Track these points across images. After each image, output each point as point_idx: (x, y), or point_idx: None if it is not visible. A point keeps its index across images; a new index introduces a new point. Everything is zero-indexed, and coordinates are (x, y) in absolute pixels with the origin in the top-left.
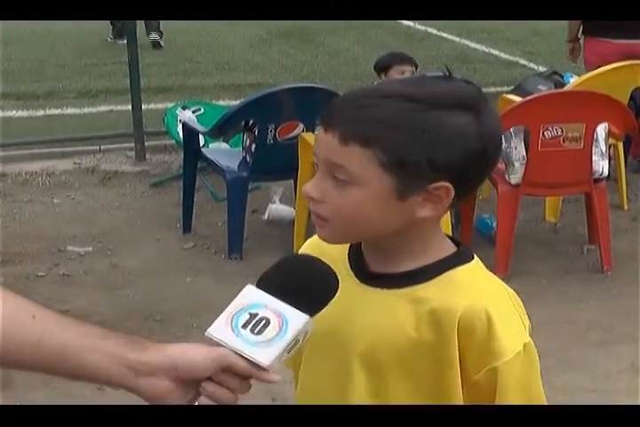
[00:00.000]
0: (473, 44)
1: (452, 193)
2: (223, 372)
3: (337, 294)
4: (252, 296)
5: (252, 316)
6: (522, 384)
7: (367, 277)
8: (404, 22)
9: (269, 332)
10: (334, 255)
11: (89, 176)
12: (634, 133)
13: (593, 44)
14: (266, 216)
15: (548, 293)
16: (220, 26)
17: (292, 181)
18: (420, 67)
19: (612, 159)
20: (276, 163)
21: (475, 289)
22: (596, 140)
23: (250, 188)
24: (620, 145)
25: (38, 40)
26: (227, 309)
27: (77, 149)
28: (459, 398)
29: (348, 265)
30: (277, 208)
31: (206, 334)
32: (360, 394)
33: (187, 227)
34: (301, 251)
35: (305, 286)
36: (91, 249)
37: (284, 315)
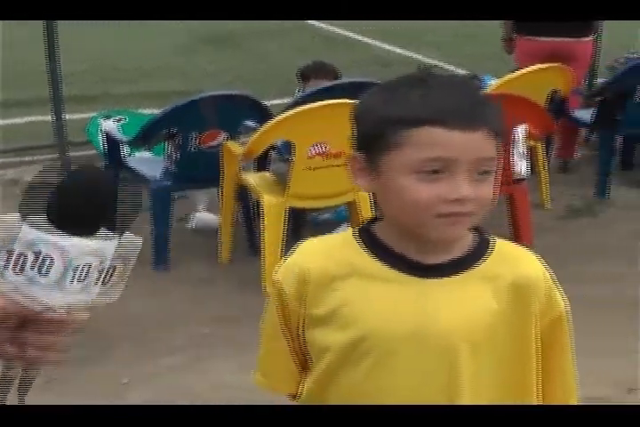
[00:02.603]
0: (393, 48)
1: None
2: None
3: (402, 296)
4: (26, 234)
5: (35, 254)
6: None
7: (425, 270)
8: (326, 27)
9: (54, 270)
10: (353, 261)
11: (12, 188)
12: (552, 134)
13: (521, 42)
14: (191, 225)
15: None
16: (143, 32)
17: (217, 189)
18: (342, 71)
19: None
20: (200, 171)
21: (526, 258)
22: (515, 141)
23: (174, 197)
24: (540, 146)
25: None
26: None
27: None
28: (533, 373)
29: (384, 266)
30: (202, 217)
31: None
32: (467, 380)
33: None
34: (302, 258)
35: (77, 208)
36: None
37: (62, 246)
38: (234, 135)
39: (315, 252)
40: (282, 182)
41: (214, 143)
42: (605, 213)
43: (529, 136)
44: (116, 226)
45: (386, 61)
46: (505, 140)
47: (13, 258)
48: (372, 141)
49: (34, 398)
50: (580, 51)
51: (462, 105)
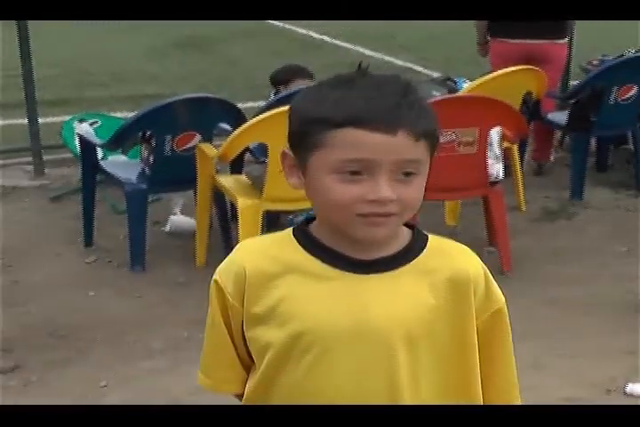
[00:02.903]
0: (367, 52)
1: None
2: None
3: (339, 293)
4: None
5: None
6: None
7: (361, 266)
8: (299, 30)
9: None
10: (290, 259)
11: None
12: (526, 137)
13: (495, 45)
14: (167, 228)
15: None
16: (115, 36)
17: (192, 191)
18: (316, 75)
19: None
20: (175, 174)
21: (462, 253)
22: (490, 144)
23: (150, 199)
24: (515, 148)
25: None
26: None
27: None
28: (476, 368)
29: (322, 264)
30: (178, 219)
31: None
32: (406, 375)
33: (88, 241)
34: (240, 257)
35: None
36: None
37: None
38: (208, 138)
39: (251, 250)
40: (257, 185)
41: (189, 146)
42: (580, 214)
43: (503, 138)
44: None
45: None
46: (434, 143)
47: None
48: (299, 140)
49: (12, 399)
50: (554, 53)
51: (384, 106)
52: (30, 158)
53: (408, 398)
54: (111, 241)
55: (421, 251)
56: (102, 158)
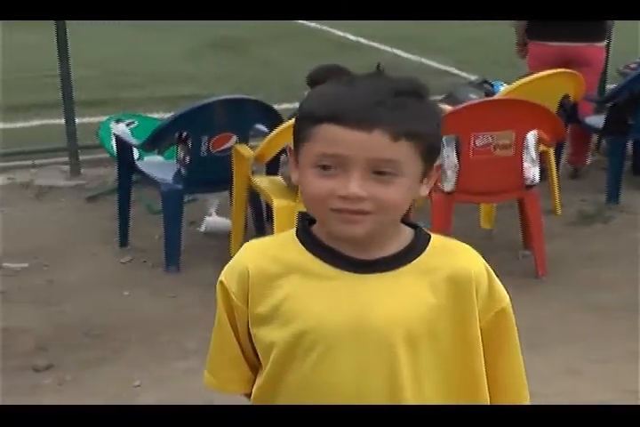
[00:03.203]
0: (404, 54)
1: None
2: None
3: (341, 292)
4: None
5: None
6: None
7: (361, 266)
8: (335, 32)
9: None
10: (291, 259)
11: (23, 191)
12: (563, 140)
13: (533, 47)
14: (202, 228)
15: None
16: (151, 37)
17: (228, 192)
18: None
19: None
20: (211, 175)
21: (464, 252)
22: (527, 147)
23: (186, 200)
24: (552, 152)
25: None
26: None
27: (11, 164)
28: (481, 368)
29: (323, 263)
30: (214, 220)
31: None
32: (407, 373)
33: (123, 241)
34: (243, 257)
35: None
36: (27, 265)
37: None
38: (244, 139)
39: (255, 251)
40: (292, 186)
41: (225, 147)
42: (616, 218)
43: (540, 142)
44: None
45: (396, 66)
46: (426, 146)
47: None
48: (294, 135)
49: (46, 398)
50: (592, 56)
51: (364, 104)
52: (67, 158)
53: (410, 397)
54: (146, 241)
55: (423, 250)
56: (138, 159)
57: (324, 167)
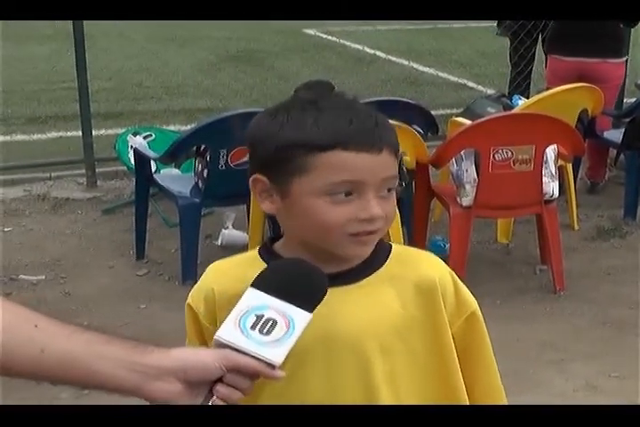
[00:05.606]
0: (421, 67)
1: None
2: (231, 372)
3: None
4: (254, 298)
5: (259, 317)
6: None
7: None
8: (352, 45)
9: (277, 332)
10: (254, 278)
11: (40, 203)
12: (582, 155)
13: (551, 62)
14: (219, 242)
15: (502, 313)
16: (169, 50)
17: (245, 206)
18: (370, 90)
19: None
20: (229, 188)
21: (427, 260)
22: (546, 161)
23: (202, 213)
24: (570, 166)
25: None
26: (231, 312)
27: (27, 176)
28: (457, 375)
29: None
30: (230, 233)
31: (215, 337)
32: (382, 381)
33: (140, 253)
34: (209, 279)
35: (301, 285)
36: (43, 277)
37: (289, 314)
38: None
39: (218, 272)
40: None
41: (243, 160)
42: (634, 234)
43: (559, 157)
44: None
45: (413, 80)
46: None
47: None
48: (276, 166)
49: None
50: (610, 72)
51: (366, 127)
52: (83, 170)
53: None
54: (163, 254)
55: (385, 260)
56: (155, 171)
57: (339, 194)
